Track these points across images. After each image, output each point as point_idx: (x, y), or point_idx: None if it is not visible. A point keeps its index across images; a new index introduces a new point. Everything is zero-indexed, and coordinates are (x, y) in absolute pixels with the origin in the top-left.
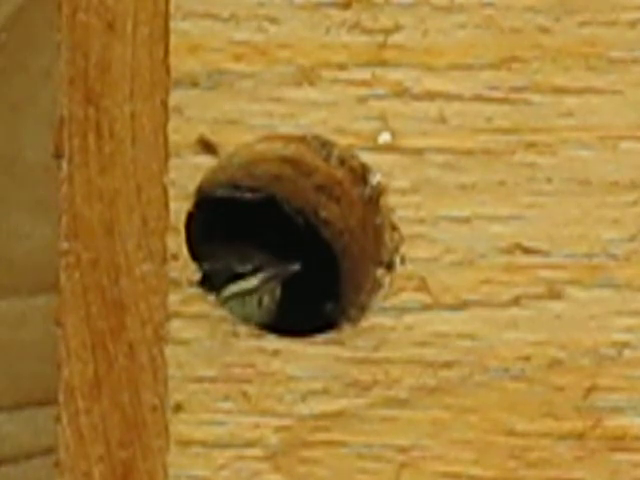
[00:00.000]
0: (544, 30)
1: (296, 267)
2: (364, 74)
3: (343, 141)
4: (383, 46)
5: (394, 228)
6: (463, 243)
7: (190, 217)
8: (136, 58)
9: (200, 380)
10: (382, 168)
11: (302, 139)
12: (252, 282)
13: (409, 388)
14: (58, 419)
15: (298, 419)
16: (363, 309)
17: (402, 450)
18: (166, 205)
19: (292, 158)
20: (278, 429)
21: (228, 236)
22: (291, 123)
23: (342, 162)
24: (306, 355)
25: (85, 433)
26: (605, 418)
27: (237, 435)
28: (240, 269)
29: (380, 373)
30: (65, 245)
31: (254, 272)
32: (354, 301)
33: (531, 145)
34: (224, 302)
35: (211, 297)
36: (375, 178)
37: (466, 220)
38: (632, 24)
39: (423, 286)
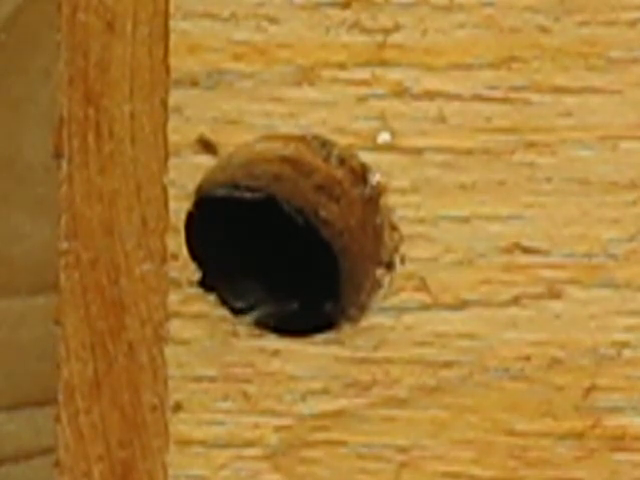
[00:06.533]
0: (544, 30)
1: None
2: (364, 74)
3: (343, 141)
4: (383, 46)
5: (394, 228)
6: (463, 243)
7: (190, 217)
8: (136, 58)
9: (200, 380)
10: (382, 168)
11: (302, 139)
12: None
13: (409, 388)
14: (58, 419)
15: (298, 419)
16: (363, 309)
17: (402, 450)
18: (166, 205)
19: (292, 158)
20: (278, 429)
21: (227, 244)
22: (291, 123)
23: (342, 162)
24: (306, 355)
25: (85, 433)
26: (605, 418)
27: (237, 435)
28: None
29: (380, 373)
30: (65, 245)
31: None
32: (354, 301)
33: (531, 145)
34: None
35: (211, 297)
36: (375, 178)
37: (466, 220)
38: (632, 24)
39: (423, 286)
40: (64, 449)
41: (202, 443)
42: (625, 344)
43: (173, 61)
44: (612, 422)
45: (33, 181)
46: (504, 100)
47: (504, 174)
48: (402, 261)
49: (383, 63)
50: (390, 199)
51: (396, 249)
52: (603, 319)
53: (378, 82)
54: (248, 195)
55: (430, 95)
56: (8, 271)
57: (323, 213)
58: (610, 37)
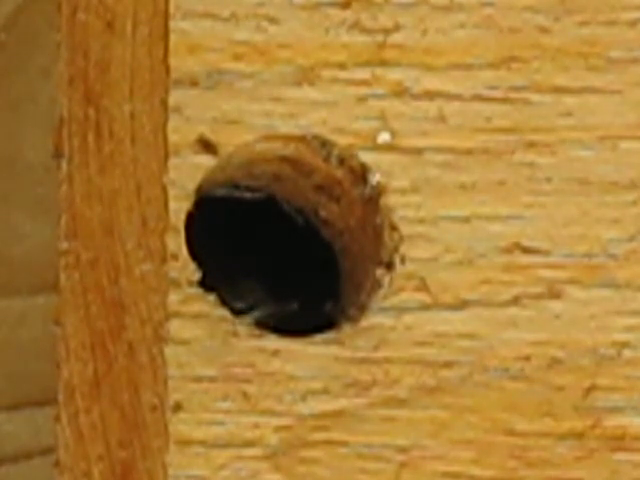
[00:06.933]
0: (544, 30)
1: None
2: (364, 74)
3: (343, 141)
4: (383, 46)
5: (394, 228)
6: (463, 243)
7: (190, 217)
8: (136, 58)
9: (200, 380)
10: (382, 168)
11: (302, 139)
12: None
13: (409, 388)
14: (57, 419)
15: (298, 419)
16: (363, 309)
17: (402, 450)
18: (166, 205)
19: (292, 158)
20: (278, 429)
21: (227, 244)
22: (291, 123)
23: (342, 162)
24: (306, 355)
25: (85, 433)
26: (605, 418)
27: (237, 435)
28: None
29: (380, 373)
30: (65, 245)
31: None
32: (354, 301)
33: (531, 145)
34: None
35: (211, 297)
36: (375, 178)
37: (466, 220)
38: (632, 24)
39: (423, 286)
40: (64, 449)
41: (202, 443)
42: (625, 344)
43: (173, 61)
44: (612, 422)
45: (33, 181)
46: (504, 100)
47: (504, 174)
48: (402, 261)
49: (383, 63)
50: (390, 199)
51: (396, 249)
52: (603, 319)
53: (378, 82)
54: (248, 195)
55: (430, 95)
56: (8, 271)
57: (323, 213)
58: (610, 37)
